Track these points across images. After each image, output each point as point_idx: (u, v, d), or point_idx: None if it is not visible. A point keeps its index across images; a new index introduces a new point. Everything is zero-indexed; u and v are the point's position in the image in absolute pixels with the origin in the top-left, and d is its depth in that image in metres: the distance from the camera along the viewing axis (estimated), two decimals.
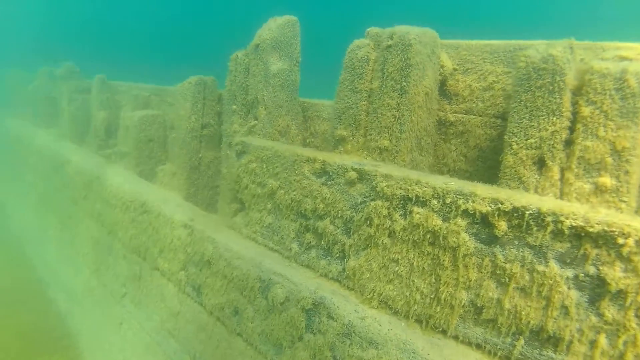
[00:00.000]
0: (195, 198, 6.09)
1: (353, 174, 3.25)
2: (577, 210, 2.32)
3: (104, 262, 7.02)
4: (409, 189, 2.91)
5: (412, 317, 2.98)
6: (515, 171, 3.17)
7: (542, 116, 3.08)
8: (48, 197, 10.14)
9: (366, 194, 3.21)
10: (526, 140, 3.14)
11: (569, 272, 2.36)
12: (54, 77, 12.16)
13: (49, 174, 9.85)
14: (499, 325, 2.64)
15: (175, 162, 6.19)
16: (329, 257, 3.53)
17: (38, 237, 10.70)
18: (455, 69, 3.99)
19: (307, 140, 4.95)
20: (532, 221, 2.47)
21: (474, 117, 3.93)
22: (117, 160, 7.80)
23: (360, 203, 3.24)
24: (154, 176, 7.40)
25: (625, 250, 2.17)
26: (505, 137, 3.22)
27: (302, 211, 3.66)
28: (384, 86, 3.57)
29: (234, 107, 4.80)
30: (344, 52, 3.94)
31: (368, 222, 3.19)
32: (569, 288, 2.36)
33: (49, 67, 12.53)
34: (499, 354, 2.64)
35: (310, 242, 3.65)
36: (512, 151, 3.17)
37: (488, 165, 3.91)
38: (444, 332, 2.86)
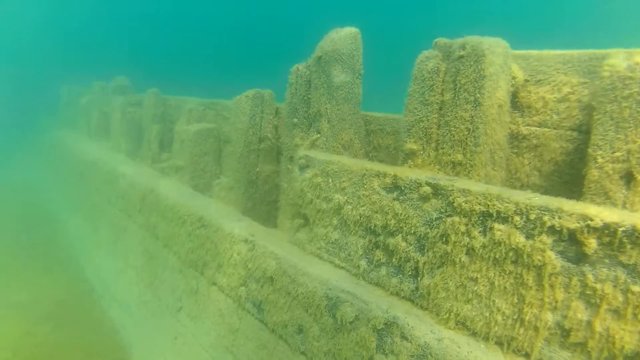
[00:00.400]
0: (253, 212, 6.21)
1: (427, 189, 3.26)
2: None
3: (158, 276, 7.22)
4: (489, 205, 2.89)
5: (492, 339, 2.94)
6: (600, 186, 3.10)
7: (629, 128, 3.01)
8: (101, 209, 10.53)
9: (442, 210, 3.20)
10: (612, 153, 3.07)
11: None
12: (107, 91, 12.71)
13: (103, 187, 10.24)
14: (588, 349, 2.58)
15: (232, 176, 6.33)
16: (401, 275, 3.54)
17: (91, 250, 11.12)
18: (527, 80, 3.95)
19: (370, 155, 4.98)
20: (626, 239, 2.41)
21: (549, 130, 3.87)
22: (171, 173, 8.05)
23: (435, 219, 3.24)
24: (208, 190, 7.59)
25: None
26: (589, 150, 3.16)
27: (372, 227, 3.68)
28: (456, 98, 3.57)
29: (295, 120, 4.90)
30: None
31: (444, 239, 3.18)
32: None
33: (102, 82, 13.13)
34: None
35: (380, 259, 3.67)
36: (597, 165, 3.11)
37: (564, 180, 3.84)
38: (527, 355, 2.81)
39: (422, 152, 3.79)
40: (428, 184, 3.27)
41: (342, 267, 4.04)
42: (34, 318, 8.81)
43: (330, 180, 4.05)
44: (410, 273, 3.47)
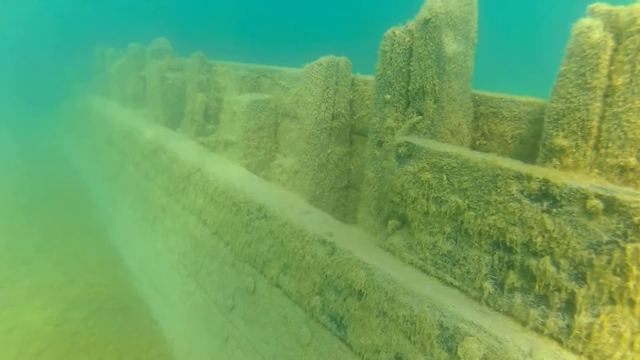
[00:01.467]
0: (321, 201, 5.61)
1: (596, 203, 2.56)
2: None
3: (205, 266, 6.73)
4: None
5: None
6: None
7: None
8: (137, 184, 10.10)
9: (618, 232, 2.51)
10: None
11: None
12: (144, 55, 12.17)
13: (140, 160, 9.78)
14: None
15: (299, 158, 5.71)
16: (545, 307, 2.87)
17: (125, 227, 10.77)
18: None
19: (477, 143, 4.27)
20: None
21: None
22: (219, 149, 7.49)
23: (606, 243, 2.55)
24: (262, 170, 7.02)
25: None
26: None
27: (505, 242, 3.01)
28: (633, 84, 2.82)
29: (388, 97, 4.21)
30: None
31: (619, 270, 2.50)
32: None
33: (138, 44, 12.56)
34: None
35: (515, 283, 3.00)
36: None
37: None
38: None
39: (574, 150, 3.07)
40: (599, 195, 2.57)
41: (457, 287, 3.39)
42: (68, 302, 8.52)
43: (445, 178, 3.37)
44: (559, 306, 2.80)
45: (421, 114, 3.97)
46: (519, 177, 2.91)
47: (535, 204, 2.84)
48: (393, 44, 4.13)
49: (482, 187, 3.11)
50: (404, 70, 4.09)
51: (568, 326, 2.75)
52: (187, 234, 7.38)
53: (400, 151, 3.75)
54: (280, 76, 7.02)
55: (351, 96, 5.49)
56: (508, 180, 2.96)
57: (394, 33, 4.13)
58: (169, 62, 10.17)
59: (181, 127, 9.29)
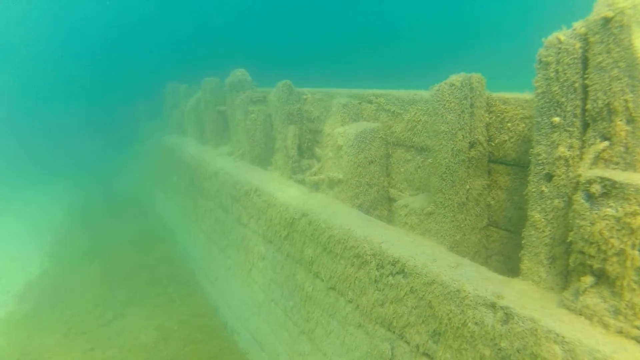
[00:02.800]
0: (461, 246, 5.01)
1: None
2: None
3: (321, 325, 6.26)
4: None
5: None
6: None
7: None
8: (229, 229, 9.89)
9: None
10: None
11: None
12: (220, 88, 12.10)
13: (229, 204, 9.56)
14: None
15: (432, 198, 5.16)
16: None
17: (218, 276, 10.57)
18: None
19: None
20: None
21: None
22: (323, 189, 7.07)
23: None
24: (375, 208, 6.53)
25: None
26: None
27: None
28: None
29: (557, 119, 3.58)
30: None
31: None
32: None
33: (213, 78, 12.54)
34: None
35: None
36: None
37: None
38: None
39: None
40: None
41: None
42: None
43: None
44: None
45: (608, 139, 3.32)
46: None
47: None
48: (559, 54, 3.51)
49: None
50: (576, 85, 3.45)
51: None
52: (295, 286, 6.97)
53: (592, 189, 3.11)
54: (387, 100, 6.53)
55: (487, 119, 4.89)
56: None
57: (559, 39, 3.51)
58: (251, 94, 9.97)
59: (272, 165, 8.97)
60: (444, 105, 4.76)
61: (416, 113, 6.06)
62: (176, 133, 16.56)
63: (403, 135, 6.38)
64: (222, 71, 12.55)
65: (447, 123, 4.81)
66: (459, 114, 4.68)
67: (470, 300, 3.79)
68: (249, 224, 8.65)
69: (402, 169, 6.66)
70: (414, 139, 6.21)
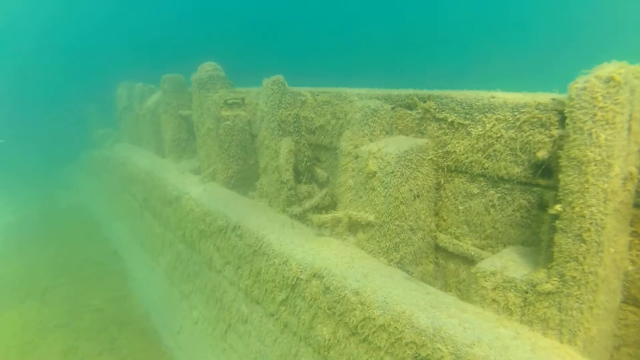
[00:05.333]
0: (595, 344, 2.97)
1: None
2: None
3: None
4: None
5: None
6: None
7: None
8: (195, 273, 7.67)
9: None
10: None
11: None
12: (184, 88, 9.89)
13: (196, 239, 7.35)
14: None
15: (555, 265, 3.12)
16: None
17: (184, 332, 8.32)
18: None
19: None
20: None
21: None
22: (341, 232, 4.96)
23: None
24: (419, 263, 4.47)
25: None
26: None
27: None
28: None
29: None
30: None
31: None
32: None
33: (176, 75, 10.26)
34: None
35: None
36: None
37: None
38: None
39: None
40: None
41: None
42: None
43: None
44: None
45: None
46: None
47: None
48: None
49: None
50: None
51: None
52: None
53: None
54: (442, 105, 4.47)
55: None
56: None
57: None
58: (225, 94, 7.76)
59: (257, 191, 6.79)
60: (594, 115, 2.71)
61: (494, 126, 4.01)
62: (130, 141, 14.19)
63: (467, 158, 4.34)
64: (191, 68, 10.35)
65: (599, 147, 2.76)
66: (617, 132, 2.66)
67: None
68: (225, 271, 6.47)
69: (461, 207, 4.62)
70: (486, 165, 4.18)
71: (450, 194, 4.73)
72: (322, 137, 6.14)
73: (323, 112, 6.01)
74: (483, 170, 4.28)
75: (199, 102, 7.97)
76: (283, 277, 4.91)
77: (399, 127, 5.03)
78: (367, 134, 4.81)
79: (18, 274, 13.04)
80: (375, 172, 4.35)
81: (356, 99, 5.43)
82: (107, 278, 12.35)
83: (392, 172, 4.24)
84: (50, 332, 9.80)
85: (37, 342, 9.44)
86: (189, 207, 7.49)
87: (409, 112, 4.88)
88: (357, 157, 4.77)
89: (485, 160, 4.22)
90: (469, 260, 4.64)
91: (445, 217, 4.83)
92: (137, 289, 11.19)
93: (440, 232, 4.85)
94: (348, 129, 5.09)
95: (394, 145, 4.39)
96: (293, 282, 4.74)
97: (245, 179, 7.77)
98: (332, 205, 6.32)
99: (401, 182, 4.30)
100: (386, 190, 4.30)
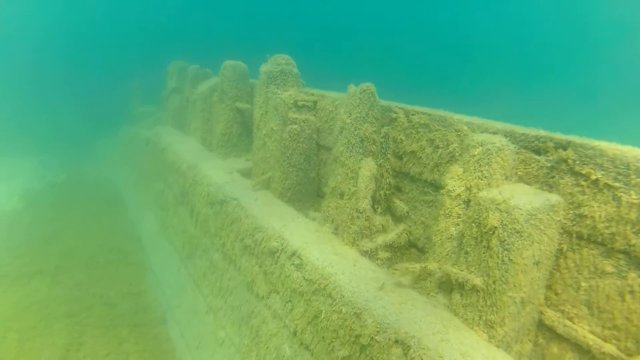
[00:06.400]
0: None
1: None
2: None
3: None
4: None
5: None
6: None
7: None
8: (228, 289, 6.93)
9: None
10: None
11: None
12: (245, 78, 9.20)
13: (238, 254, 6.62)
14: None
15: None
16: None
17: (203, 350, 7.57)
18: None
19: None
20: None
21: None
22: (430, 289, 4.15)
23: None
24: (518, 341, 3.65)
25: None
26: None
27: None
28: None
29: None
30: None
31: None
32: None
33: (237, 62, 9.58)
34: None
35: None
36: None
37: None
38: None
39: None
40: None
41: None
42: None
43: None
44: None
45: None
46: None
47: None
48: None
49: None
50: None
51: None
52: None
53: None
54: (584, 158, 3.67)
55: None
56: None
57: None
58: (295, 94, 7.02)
59: (322, 212, 5.99)
60: None
61: None
62: (174, 126, 13.58)
63: (608, 229, 3.51)
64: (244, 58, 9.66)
65: None
66: None
67: None
68: (269, 299, 5.71)
69: (584, 284, 3.78)
70: (634, 242, 3.36)
71: (572, 265, 3.89)
72: (411, 165, 5.34)
73: (418, 136, 5.21)
74: (627, 247, 3.45)
75: (264, 97, 7.23)
76: (351, 331, 4.12)
77: (519, 173, 4.20)
78: (485, 177, 3.99)
79: (32, 247, 12.47)
80: (495, 227, 3.52)
81: (465, 127, 4.62)
82: (125, 268, 11.66)
83: (519, 232, 3.42)
84: (56, 320, 9.13)
85: (41, 329, 8.79)
86: (236, 215, 6.75)
87: (537, 157, 4.06)
88: (467, 201, 3.96)
89: (633, 236, 3.38)
90: (582, 350, 3.81)
91: (559, 292, 4.00)
92: (156, 288, 10.50)
93: (548, 306, 4.02)
94: (457, 163, 4.28)
95: (522, 198, 3.57)
96: (365, 342, 3.94)
97: (302, 193, 7.03)
98: (408, 246, 5.52)
99: (525, 246, 3.48)
100: (506, 252, 3.49)
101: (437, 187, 5.08)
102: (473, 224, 3.79)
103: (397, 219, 5.61)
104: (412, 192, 5.53)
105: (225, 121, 9.42)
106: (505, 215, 3.51)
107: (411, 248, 5.65)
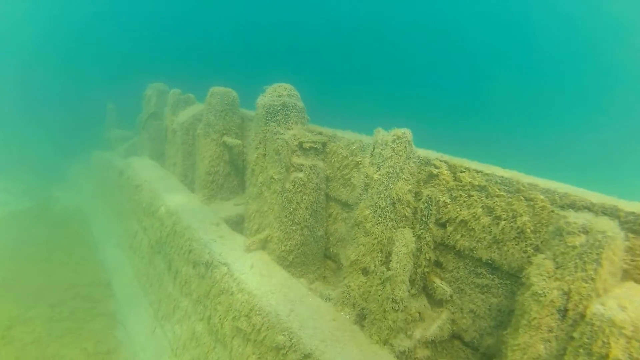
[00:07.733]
0: None
1: None
2: None
3: None
4: None
5: None
6: None
7: None
8: None
9: None
10: None
11: None
12: (235, 107, 8.11)
13: (229, 336, 5.45)
14: None
15: None
16: None
17: None
18: None
19: None
20: None
21: None
22: None
23: None
24: None
25: None
26: None
27: None
28: None
29: None
30: None
31: None
32: None
33: (227, 89, 8.46)
34: None
35: None
36: None
37: None
38: None
39: None
40: None
41: None
42: None
43: None
44: None
45: None
46: None
47: None
48: None
49: None
50: None
51: None
52: None
53: None
54: None
55: None
56: None
57: None
58: (300, 134, 5.91)
59: (340, 294, 4.83)
60: None
61: None
62: (151, 155, 12.38)
63: None
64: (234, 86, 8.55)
65: None
66: None
67: None
68: None
69: None
70: None
71: None
72: (459, 237, 4.24)
73: (470, 200, 4.12)
74: None
75: (262, 136, 6.10)
76: None
77: (624, 266, 3.12)
78: (588, 277, 2.88)
79: None
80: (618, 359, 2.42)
81: (542, 197, 3.52)
82: (92, 321, 10.35)
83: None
84: None
85: None
86: (226, 286, 5.57)
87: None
88: (564, 311, 2.86)
89: None
90: None
91: None
92: (127, 347, 9.23)
93: None
94: (543, 253, 3.17)
95: None
96: None
97: (307, 255, 5.90)
98: (450, 337, 4.40)
99: None
100: None
101: (494, 268, 3.99)
102: (581, 350, 2.68)
103: (437, 302, 4.50)
104: (458, 271, 4.43)
105: (211, 158, 8.26)
106: (637, 345, 2.42)
107: (454, 340, 4.53)
